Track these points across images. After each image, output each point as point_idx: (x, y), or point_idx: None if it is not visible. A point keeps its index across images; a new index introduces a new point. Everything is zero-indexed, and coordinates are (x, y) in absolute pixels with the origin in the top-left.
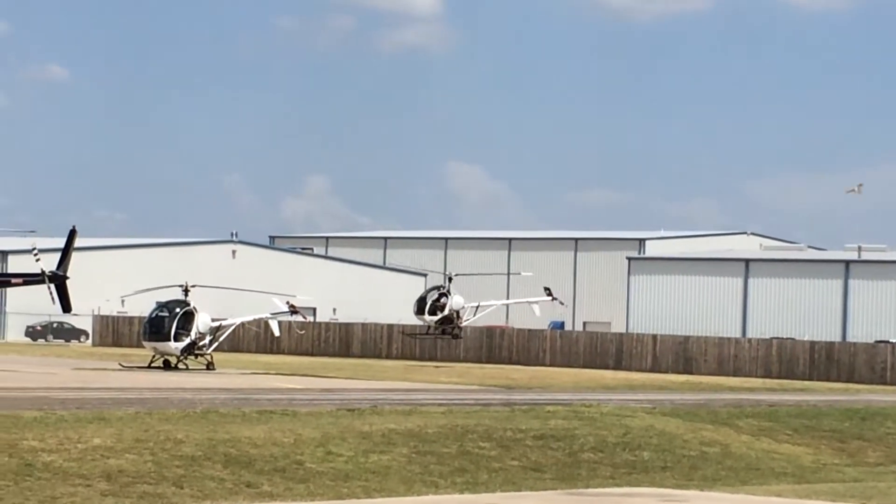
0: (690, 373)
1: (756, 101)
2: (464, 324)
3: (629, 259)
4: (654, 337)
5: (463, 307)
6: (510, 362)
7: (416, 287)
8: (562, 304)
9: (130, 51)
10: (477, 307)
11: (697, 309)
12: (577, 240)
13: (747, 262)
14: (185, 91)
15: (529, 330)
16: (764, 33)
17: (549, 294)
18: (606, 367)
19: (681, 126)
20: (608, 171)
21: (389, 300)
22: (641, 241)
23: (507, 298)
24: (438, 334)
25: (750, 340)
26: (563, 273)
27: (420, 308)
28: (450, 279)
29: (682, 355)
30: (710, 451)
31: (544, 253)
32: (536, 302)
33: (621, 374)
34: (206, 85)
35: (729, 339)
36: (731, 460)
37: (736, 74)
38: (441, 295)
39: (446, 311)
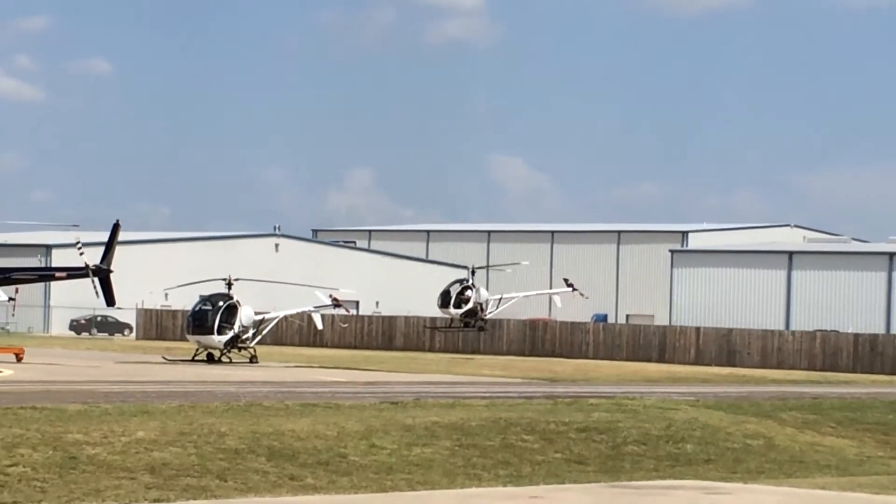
0: (734, 365)
1: (800, 93)
2: (487, 316)
3: (672, 252)
4: (698, 329)
5: (487, 300)
6: (553, 355)
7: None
8: (582, 295)
9: (173, 45)
10: (500, 300)
11: (741, 301)
12: (619, 232)
13: (791, 254)
14: (228, 84)
15: (573, 323)
16: (808, 23)
17: (570, 285)
18: (649, 360)
19: (724, 118)
20: (651, 164)
21: (432, 293)
22: (684, 233)
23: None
24: (462, 327)
25: (794, 333)
26: (605, 266)
27: (444, 301)
28: (472, 272)
29: (726, 348)
30: (754, 443)
31: (587, 246)
32: (557, 293)
33: (664, 367)
34: (249, 78)
35: (772, 331)
36: (774, 453)
37: (780, 65)
38: (465, 288)
39: (470, 304)
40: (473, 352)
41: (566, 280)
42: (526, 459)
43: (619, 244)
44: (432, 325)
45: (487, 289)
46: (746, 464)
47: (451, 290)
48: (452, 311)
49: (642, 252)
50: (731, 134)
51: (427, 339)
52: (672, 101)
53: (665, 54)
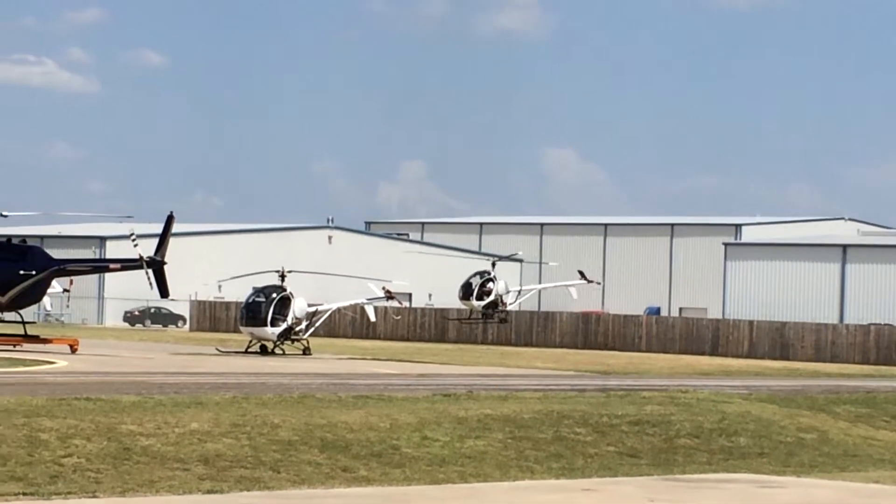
0: (787, 359)
1: (854, 85)
2: (509, 308)
3: (725, 245)
4: (751, 323)
5: (508, 291)
6: (606, 348)
7: (512, 273)
8: (598, 283)
9: (225, 37)
10: (519, 292)
11: (794, 295)
12: (672, 225)
13: (845, 247)
14: (282, 77)
15: (625, 316)
16: (860, 15)
17: (584, 277)
18: (702, 353)
19: (777, 110)
20: (705, 156)
21: None
22: (738, 226)
23: (603, 286)
24: (482, 319)
25: (847, 326)
26: (659, 259)
27: (466, 293)
28: (493, 264)
29: (779, 341)
30: (807, 437)
31: (640, 238)
32: (573, 285)
33: (717, 360)
34: (302, 70)
35: (826, 325)
36: (828, 447)
37: (833, 58)
38: (487, 280)
39: (492, 297)
40: (526, 344)
41: (581, 272)
42: (578, 452)
43: (672, 237)
44: (453, 316)
45: (540, 281)
46: (799, 457)
47: (473, 281)
48: (474, 302)
49: (695, 245)
50: (785, 126)
51: (480, 331)
52: (726, 93)
53: (720, 45)
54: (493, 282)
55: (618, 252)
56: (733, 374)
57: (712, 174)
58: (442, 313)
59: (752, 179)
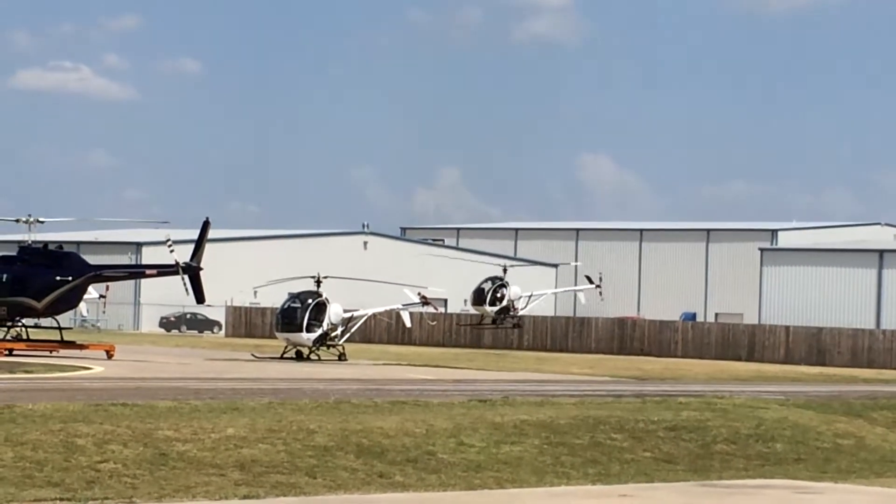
0: (824, 364)
1: (891, 90)
2: (520, 313)
3: (761, 250)
4: (787, 328)
5: (519, 297)
6: (642, 353)
7: (548, 278)
8: (600, 293)
9: (262, 43)
10: (530, 296)
11: (831, 300)
12: (708, 231)
13: (881, 252)
14: (318, 83)
15: (661, 321)
16: None
17: (591, 282)
18: (739, 359)
19: (814, 116)
20: (741, 162)
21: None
22: (774, 231)
23: (639, 290)
24: (493, 324)
25: (884, 332)
26: (694, 264)
27: (479, 299)
28: (504, 269)
29: (816, 347)
30: (845, 443)
31: (676, 244)
32: (581, 290)
33: (753, 366)
34: (337, 77)
35: (863, 330)
36: (865, 452)
37: (870, 64)
38: (499, 286)
39: (505, 302)
40: (562, 350)
41: (588, 277)
42: (615, 458)
43: (708, 242)
44: (467, 322)
45: (576, 284)
46: (837, 463)
47: (485, 287)
48: (487, 308)
49: (731, 250)
50: (821, 132)
51: (515, 336)
52: (761, 99)
53: (755, 52)
54: (506, 287)
55: (654, 257)
56: (770, 380)
57: (748, 179)
58: (457, 319)
59: (789, 184)
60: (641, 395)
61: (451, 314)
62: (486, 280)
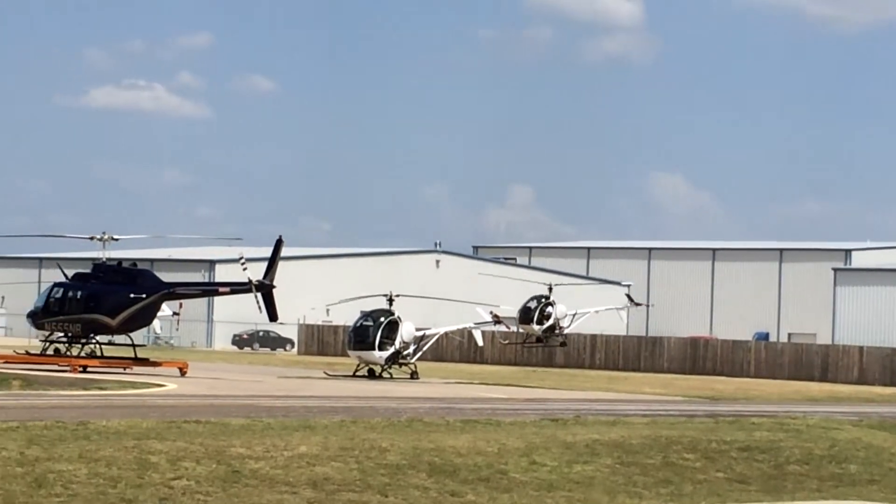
0: None
1: None
2: (566, 331)
3: (835, 270)
4: (861, 349)
5: (565, 315)
6: (714, 373)
7: (620, 297)
8: (651, 306)
9: (334, 62)
10: (574, 315)
11: None
12: (781, 250)
13: None
14: (389, 102)
15: (734, 341)
16: None
17: (631, 300)
18: (812, 379)
19: (888, 134)
20: (814, 181)
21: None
22: (847, 251)
23: (711, 311)
24: (536, 343)
25: None
26: (767, 284)
27: (526, 317)
28: (550, 288)
29: (890, 367)
30: None
31: (748, 264)
32: (621, 308)
33: (827, 386)
34: (410, 95)
35: None
36: None
37: None
38: (546, 304)
39: (552, 321)
40: (634, 369)
41: (628, 295)
42: (687, 478)
43: (781, 262)
44: (511, 340)
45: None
46: None
47: (531, 305)
48: (535, 326)
49: (805, 270)
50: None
51: (587, 355)
52: (835, 118)
53: (828, 70)
54: (553, 306)
55: (726, 277)
56: (843, 401)
57: (822, 199)
58: (501, 337)
59: (862, 204)
60: (714, 415)
61: (523, 333)
62: (531, 298)
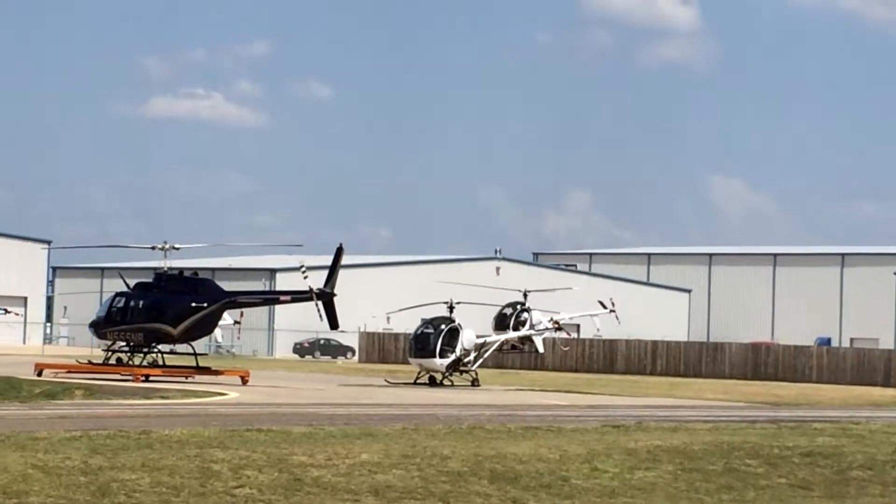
0: None
1: None
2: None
3: None
4: None
5: (540, 322)
6: (776, 379)
7: (680, 303)
8: (617, 316)
9: (391, 67)
10: (551, 321)
11: None
12: (843, 255)
13: None
14: (447, 107)
15: (796, 346)
16: None
17: (603, 306)
18: (874, 384)
19: None
20: (876, 185)
21: (653, 316)
22: None
23: (773, 316)
24: (511, 350)
25: None
26: (829, 288)
27: (502, 324)
28: (525, 294)
29: None
30: None
31: (810, 269)
32: (596, 315)
33: (890, 392)
34: (468, 100)
35: None
36: None
37: None
38: (521, 311)
39: (527, 327)
40: (695, 375)
41: (600, 301)
42: (749, 484)
43: (842, 266)
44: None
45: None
46: None
47: (507, 312)
48: (511, 333)
49: (867, 275)
50: None
51: (649, 361)
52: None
53: (887, 72)
54: (528, 312)
55: (787, 282)
56: None
57: (884, 203)
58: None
59: None
60: (776, 421)
61: (584, 340)
62: (506, 305)
